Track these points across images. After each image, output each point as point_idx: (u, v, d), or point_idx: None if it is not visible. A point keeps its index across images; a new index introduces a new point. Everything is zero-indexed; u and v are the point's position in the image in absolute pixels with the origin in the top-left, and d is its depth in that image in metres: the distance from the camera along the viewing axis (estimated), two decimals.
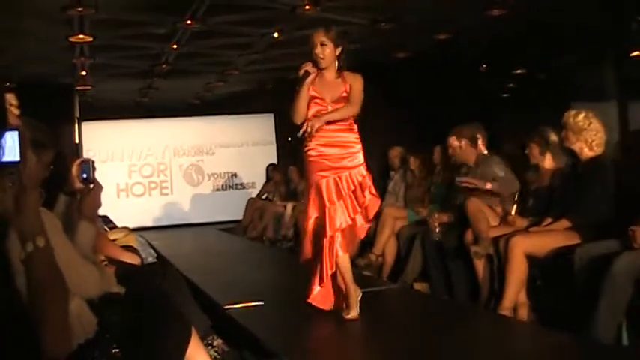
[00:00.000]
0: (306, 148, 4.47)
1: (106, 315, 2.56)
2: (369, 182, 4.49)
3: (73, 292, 2.36)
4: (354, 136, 4.52)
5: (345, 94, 4.48)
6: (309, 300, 4.54)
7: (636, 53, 9.75)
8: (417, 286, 6.25)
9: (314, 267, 4.51)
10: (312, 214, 4.47)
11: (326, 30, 4.47)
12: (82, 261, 2.57)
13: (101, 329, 2.52)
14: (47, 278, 2.01)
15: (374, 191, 4.52)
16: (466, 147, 6.16)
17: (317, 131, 4.36)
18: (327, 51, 4.44)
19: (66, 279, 2.08)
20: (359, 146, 4.53)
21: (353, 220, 4.43)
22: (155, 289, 2.97)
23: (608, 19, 9.45)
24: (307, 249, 4.55)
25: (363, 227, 4.57)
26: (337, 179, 4.40)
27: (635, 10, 9.00)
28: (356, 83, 4.50)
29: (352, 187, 4.42)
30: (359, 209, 4.44)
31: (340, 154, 4.45)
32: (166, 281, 3.34)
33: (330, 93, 4.48)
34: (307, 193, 4.55)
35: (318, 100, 4.49)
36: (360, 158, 4.50)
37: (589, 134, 4.88)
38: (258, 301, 5.10)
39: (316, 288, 4.50)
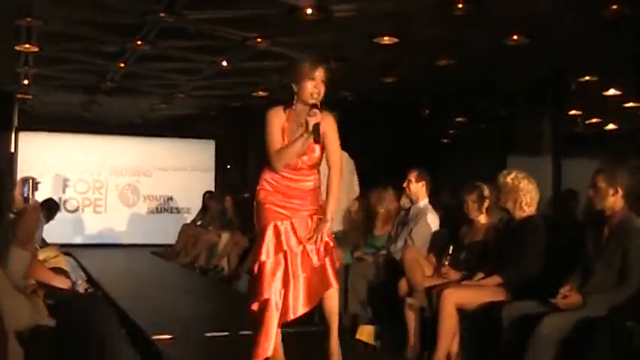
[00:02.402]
0: (259, 196, 4.02)
1: (34, 348, 2.51)
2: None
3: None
4: (314, 180, 4.08)
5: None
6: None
7: (574, 112, 10.09)
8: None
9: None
10: (267, 256, 3.91)
11: (327, 67, 4.01)
12: (13, 293, 2.52)
13: None
14: None
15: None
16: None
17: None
18: (322, 89, 3.97)
19: None
20: (319, 190, 4.09)
21: (322, 265, 3.98)
22: (85, 322, 2.92)
23: (551, 77, 9.74)
24: (260, 297, 3.92)
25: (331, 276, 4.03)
26: (296, 222, 3.97)
27: (575, 71, 9.31)
28: (331, 121, 4.07)
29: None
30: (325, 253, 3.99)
31: (299, 204, 4.00)
32: (96, 313, 3.29)
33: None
34: (260, 235, 3.96)
35: None
36: (320, 202, 4.07)
37: (518, 195, 4.98)
38: (189, 332, 5.06)
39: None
